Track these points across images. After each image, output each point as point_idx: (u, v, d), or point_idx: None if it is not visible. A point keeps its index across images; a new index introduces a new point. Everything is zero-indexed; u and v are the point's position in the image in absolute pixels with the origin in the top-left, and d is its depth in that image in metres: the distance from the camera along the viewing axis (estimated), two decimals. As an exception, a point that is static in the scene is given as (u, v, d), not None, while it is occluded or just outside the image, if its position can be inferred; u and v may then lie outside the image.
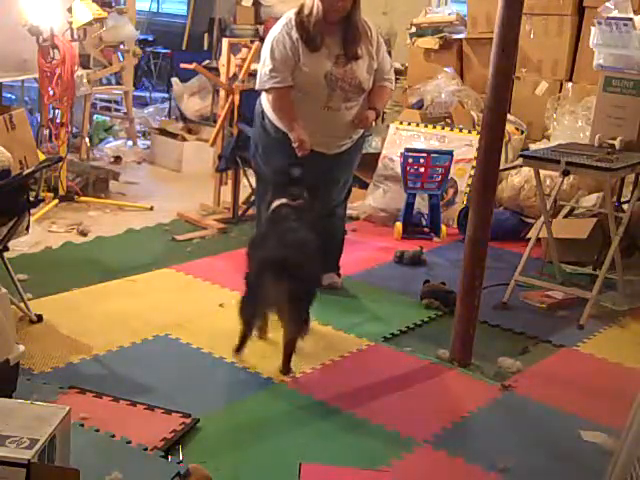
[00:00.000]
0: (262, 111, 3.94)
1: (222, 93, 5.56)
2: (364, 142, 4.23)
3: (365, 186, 5.96)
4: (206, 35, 9.31)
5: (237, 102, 5.34)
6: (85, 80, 6.57)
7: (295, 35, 3.71)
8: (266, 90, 3.80)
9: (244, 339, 3.42)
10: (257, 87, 3.89)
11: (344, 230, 4.39)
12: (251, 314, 3.40)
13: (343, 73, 3.73)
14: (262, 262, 3.38)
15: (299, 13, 3.73)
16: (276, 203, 3.64)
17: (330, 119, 3.79)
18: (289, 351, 3.36)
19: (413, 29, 6.92)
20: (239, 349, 3.43)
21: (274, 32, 3.79)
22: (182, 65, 5.87)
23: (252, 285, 3.38)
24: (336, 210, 4.24)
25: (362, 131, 4.04)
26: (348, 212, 5.60)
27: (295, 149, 3.80)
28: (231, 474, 2.65)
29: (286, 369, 3.35)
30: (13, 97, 7.25)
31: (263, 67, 3.79)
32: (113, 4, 7.08)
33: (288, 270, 3.23)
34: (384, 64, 3.91)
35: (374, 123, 4.15)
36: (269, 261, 3.33)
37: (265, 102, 3.92)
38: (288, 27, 3.74)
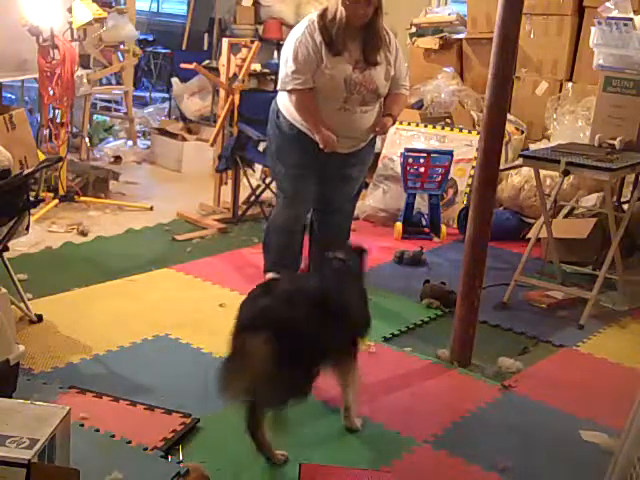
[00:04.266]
0: (277, 110, 3.95)
1: (222, 93, 5.56)
2: (376, 142, 4.26)
3: (365, 186, 5.96)
4: (206, 35, 9.30)
5: (237, 102, 5.34)
6: (85, 80, 6.58)
7: (318, 38, 3.71)
8: (288, 91, 3.80)
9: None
10: (279, 87, 3.90)
11: (350, 227, 4.38)
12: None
13: (362, 78, 3.75)
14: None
15: (322, 17, 3.73)
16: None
17: (345, 120, 3.81)
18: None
19: (413, 29, 6.93)
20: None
21: (296, 34, 3.78)
22: (182, 65, 5.88)
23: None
24: (344, 206, 4.22)
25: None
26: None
27: (321, 147, 3.82)
28: (231, 474, 2.65)
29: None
30: (13, 97, 7.24)
31: (285, 68, 3.79)
32: (113, 4, 7.09)
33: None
34: (401, 71, 3.93)
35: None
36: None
37: (281, 101, 3.93)
38: (311, 29, 3.74)
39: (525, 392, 3.36)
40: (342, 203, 4.18)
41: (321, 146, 3.80)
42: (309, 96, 3.76)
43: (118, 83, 7.81)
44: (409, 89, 4.14)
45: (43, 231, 4.95)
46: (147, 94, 9.33)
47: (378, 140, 6.32)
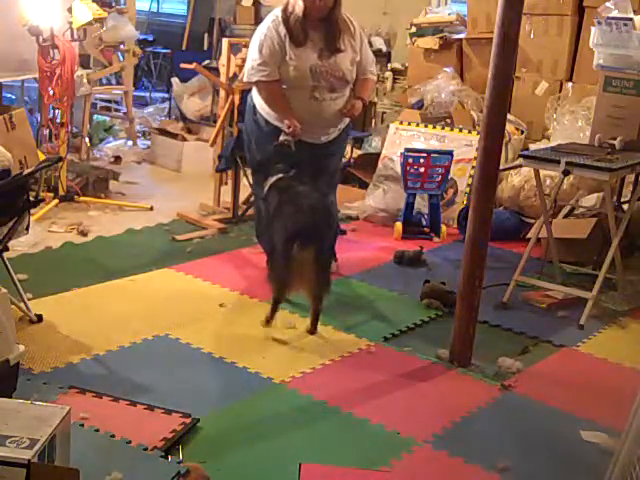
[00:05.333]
0: (253, 105, 4.10)
1: (222, 93, 5.56)
2: (350, 132, 4.42)
3: (365, 186, 5.96)
4: (206, 35, 9.31)
5: (237, 102, 5.34)
6: (85, 80, 6.58)
7: (283, 31, 3.89)
8: (254, 83, 3.94)
9: (275, 307, 3.72)
10: (245, 79, 4.07)
11: (336, 215, 4.43)
12: (283, 281, 3.68)
13: (327, 66, 3.93)
14: (291, 230, 3.63)
15: (285, 10, 3.91)
16: (274, 178, 3.87)
17: (316, 109, 3.95)
18: (317, 309, 3.73)
19: (413, 29, 6.93)
20: (270, 319, 3.71)
21: (262, 28, 3.96)
22: (182, 65, 5.87)
23: (280, 254, 3.65)
24: (327, 197, 4.28)
25: (348, 121, 4.19)
26: (348, 212, 5.64)
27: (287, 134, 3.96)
28: (231, 474, 2.65)
29: (314, 327, 3.73)
30: (13, 97, 7.24)
31: (251, 61, 3.96)
32: (113, 4, 7.09)
33: (315, 235, 3.57)
34: (367, 57, 4.11)
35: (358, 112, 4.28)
36: (298, 228, 3.61)
37: (256, 96, 4.05)
38: (275, 23, 3.92)
39: (525, 392, 3.36)
40: (323, 195, 4.23)
41: (286, 131, 3.92)
42: (275, 86, 3.92)
43: (118, 83, 7.81)
44: (376, 74, 4.32)
45: (43, 231, 4.95)
46: (147, 94, 9.34)
47: (378, 140, 6.37)
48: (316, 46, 3.91)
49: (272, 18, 3.95)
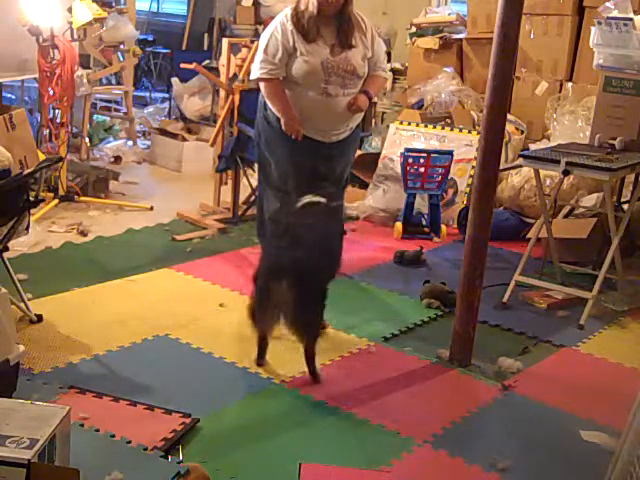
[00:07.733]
0: (264, 102, 4.09)
1: (222, 93, 5.56)
2: (359, 135, 4.39)
3: (365, 186, 5.97)
4: (206, 35, 9.31)
5: (237, 102, 5.34)
6: (85, 80, 6.58)
7: (290, 27, 3.91)
8: (257, 79, 4.01)
9: (261, 344, 3.43)
10: (251, 77, 4.12)
11: (341, 221, 4.41)
12: (263, 319, 3.36)
13: (338, 60, 3.95)
14: (269, 268, 3.36)
15: (296, 8, 3.94)
16: (304, 201, 3.58)
17: (328, 105, 3.97)
18: (308, 355, 3.33)
19: (413, 29, 6.94)
20: (260, 357, 3.44)
21: (271, 26, 3.99)
22: (182, 65, 5.88)
23: (261, 290, 3.33)
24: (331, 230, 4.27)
25: (359, 121, 4.18)
26: (348, 212, 5.63)
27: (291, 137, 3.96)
28: (231, 474, 2.65)
29: (313, 376, 3.33)
30: (13, 97, 7.25)
31: (257, 58, 4.00)
32: (113, 4, 7.09)
33: (294, 277, 3.20)
34: (379, 54, 4.13)
35: (365, 107, 4.26)
36: (275, 268, 3.30)
37: None
38: (283, 21, 3.95)
39: (525, 392, 3.36)
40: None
41: (284, 128, 3.94)
42: (276, 84, 3.94)
43: (118, 83, 7.81)
44: (387, 70, 4.38)
45: (43, 231, 4.95)
46: (147, 94, 9.34)
47: (378, 140, 6.37)
48: (328, 42, 3.94)
49: (280, 17, 3.99)
